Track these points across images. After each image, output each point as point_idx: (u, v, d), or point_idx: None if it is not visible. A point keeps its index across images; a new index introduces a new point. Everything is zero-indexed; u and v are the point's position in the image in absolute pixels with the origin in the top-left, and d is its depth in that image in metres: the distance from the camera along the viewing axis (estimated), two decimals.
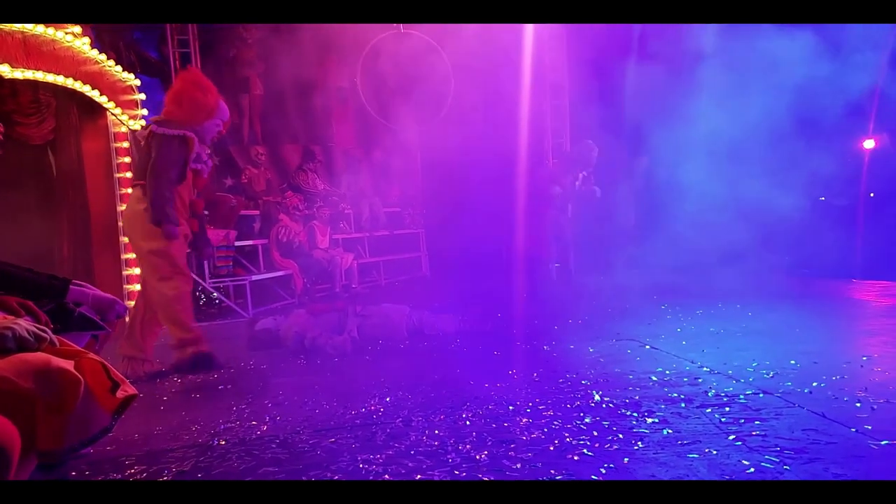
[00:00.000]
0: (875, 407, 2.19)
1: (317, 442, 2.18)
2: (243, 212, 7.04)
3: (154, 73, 7.06)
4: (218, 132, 3.70)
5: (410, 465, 1.90)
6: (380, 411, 2.50)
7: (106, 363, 1.43)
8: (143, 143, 3.56)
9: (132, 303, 5.15)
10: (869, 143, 6.49)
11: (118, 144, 5.18)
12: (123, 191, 5.18)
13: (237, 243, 6.37)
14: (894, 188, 6.27)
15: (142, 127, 3.59)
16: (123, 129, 5.19)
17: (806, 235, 6.80)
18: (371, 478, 1.83)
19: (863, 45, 6.17)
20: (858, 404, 2.23)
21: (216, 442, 2.24)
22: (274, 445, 2.17)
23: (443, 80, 6.78)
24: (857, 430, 1.98)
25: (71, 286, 1.84)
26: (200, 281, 5.87)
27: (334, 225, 7.88)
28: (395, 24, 6.92)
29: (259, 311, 5.96)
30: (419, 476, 1.81)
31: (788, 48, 6.08)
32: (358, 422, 2.39)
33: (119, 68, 5.03)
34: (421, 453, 2.00)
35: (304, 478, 1.85)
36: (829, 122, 6.53)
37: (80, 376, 1.31)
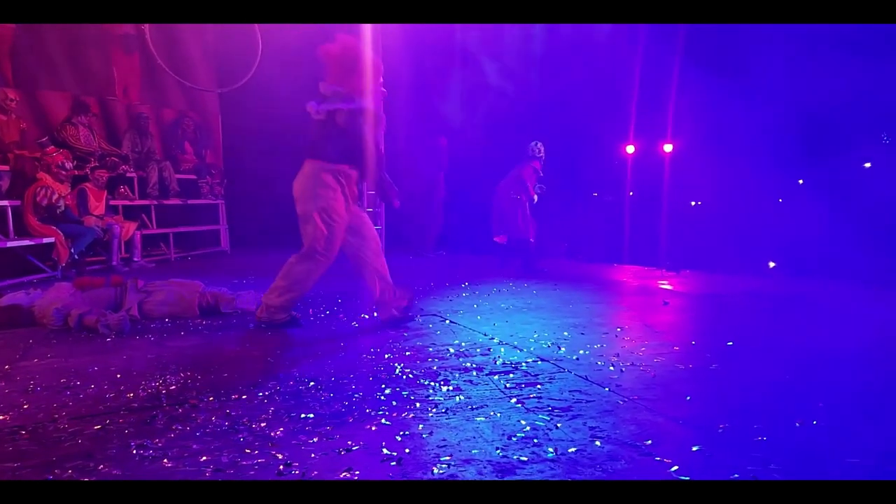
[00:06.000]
0: (623, 369, 2.61)
1: (79, 430, 1.88)
2: None
3: None
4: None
5: (195, 447, 1.74)
6: (162, 393, 2.25)
7: None
8: (326, 118, 3.26)
9: None
10: (630, 149, 7.68)
11: None
12: None
13: None
14: (649, 188, 7.55)
15: (319, 102, 3.26)
16: None
17: (581, 226, 7.89)
18: (146, 464, 1.63)
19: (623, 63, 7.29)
20: (612, 368, 2.64)
21: None
22: (17, 437, 1.82)
23: (249, 46, 6.24)
24: (609, 389, 2.33)
25: None
26: None
27: (113, 189, 6.85)
28: None
29: (5, 285, 4.95)
30: (205, 458, 1.66)
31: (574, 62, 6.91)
32: (135, 405, 2.11)
33: None
34: (209, 434, 1.84)
35: (58, 470, 1.57)
36: (597, 128, 7.63)
37: None
